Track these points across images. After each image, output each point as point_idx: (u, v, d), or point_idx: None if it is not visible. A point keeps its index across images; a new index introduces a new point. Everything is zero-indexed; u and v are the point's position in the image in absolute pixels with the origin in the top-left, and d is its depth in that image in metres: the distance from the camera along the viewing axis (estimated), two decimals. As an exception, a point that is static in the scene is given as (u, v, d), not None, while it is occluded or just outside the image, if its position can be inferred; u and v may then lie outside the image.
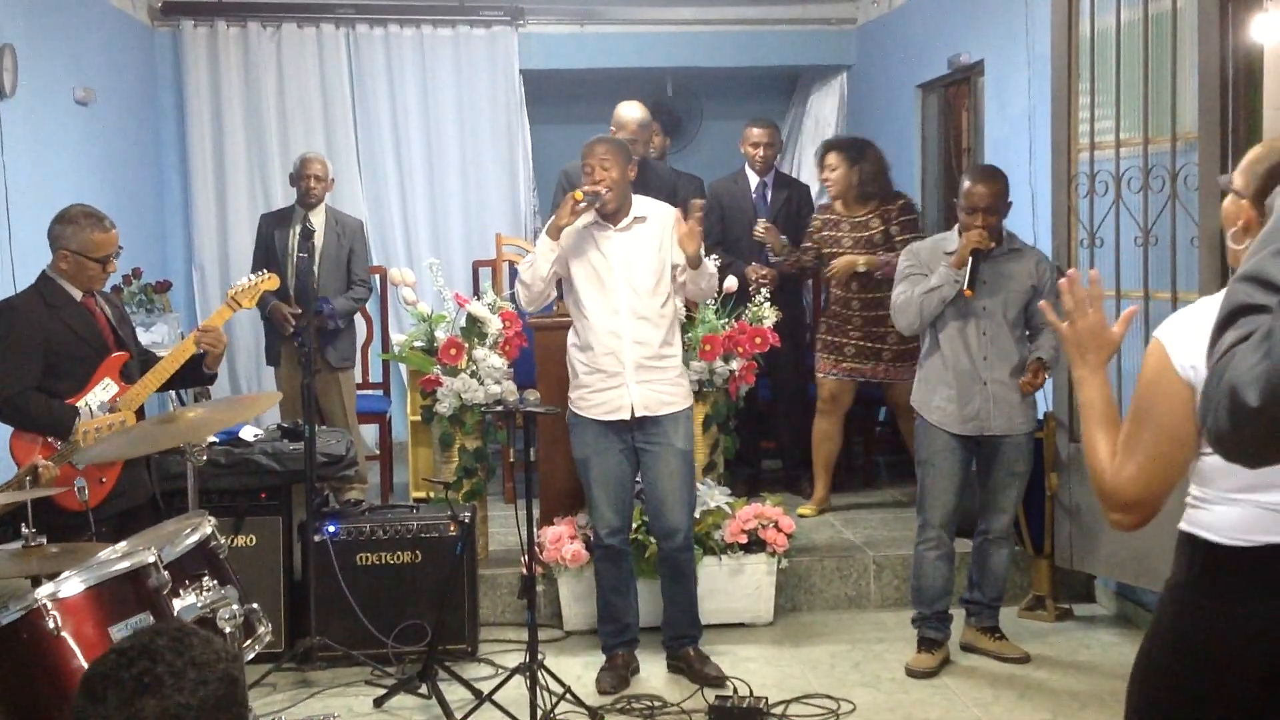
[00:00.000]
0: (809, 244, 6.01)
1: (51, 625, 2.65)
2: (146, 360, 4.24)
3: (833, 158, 5.91)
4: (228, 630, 2.82)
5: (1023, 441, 4.63)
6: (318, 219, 6.17)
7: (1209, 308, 2.00)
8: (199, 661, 1.61)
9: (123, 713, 1.55)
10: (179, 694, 1.57)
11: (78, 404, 3.93)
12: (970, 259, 4.44)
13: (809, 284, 6.71)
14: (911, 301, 4.54)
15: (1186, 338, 2.00)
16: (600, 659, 4.70)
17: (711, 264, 4.56)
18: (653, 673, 4.70)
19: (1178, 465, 2.03)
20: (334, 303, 6.06)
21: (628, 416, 4.46)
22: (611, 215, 4.49)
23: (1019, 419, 4.59)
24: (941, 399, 4.59)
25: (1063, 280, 2.28)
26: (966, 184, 4.55)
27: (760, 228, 6.02)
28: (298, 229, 6.11)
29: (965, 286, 4.44)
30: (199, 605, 2.85)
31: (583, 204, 4.39)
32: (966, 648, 4.82)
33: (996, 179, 4.57)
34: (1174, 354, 2.00)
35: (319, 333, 5.75)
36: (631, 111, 5.82)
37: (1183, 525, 2.08)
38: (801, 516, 5.79)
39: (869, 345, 5.82)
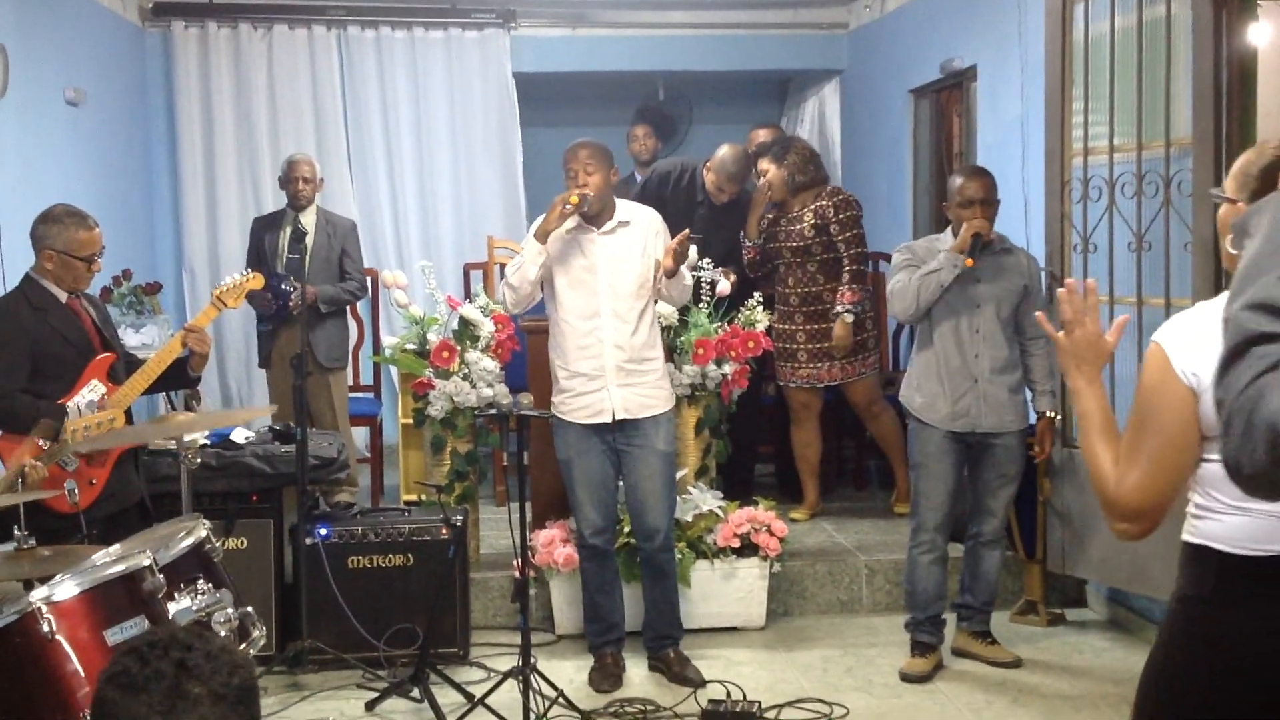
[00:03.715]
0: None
1: (46, 629, 2.62)
2: (131, 363, 4.22)
3: (763, 163, 5.93)
4: (223, 634, 2.80)
5: (1014, 443, 4.63)
6: (309, 220, 6.14)
7: (1208, 312, 2.00)
8: (226, 647, 1.62)
9: (169, 700, 1.53)
10: (218, 676, 1.56)
11: (66, 405, 3.90)
12: (971, 242, 4.47)
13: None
14: (909, 286, 4.54)
15: (1187, 342, 2.00)
16: (591, 662, 4.69)
17: (689, 275, 4.59)
18: (639, 675, 4.70)
19: (1181, 471, 2.02)
20: (320, 289, 5.99)
21: (609, 419, 4.46)
22: (594, 218, 4.49)
23: (1009, 417, 4.60)
24: (931, 395, 4.59)
25: (1061, 290, 2.27)
26: (959, 181, 4.60)
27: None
28: (288, 231, 6.09)
29: (968, 256, 4.44)
30: (194, 609, 2.83)
31: (572, 208, 4.38)
32: (958, 652, 4.81)
33: (987, 174, 4.65)
34: (1175, 359, 2.00)
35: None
36: (725, 160, 5.93)
37: (1189, 537, 2.06)
38: (794, 521, 5.79)
39: (818, 347, 5.82)
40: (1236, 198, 2.17)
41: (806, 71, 8.71)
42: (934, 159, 7.30)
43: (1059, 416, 4.77)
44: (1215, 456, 1.94)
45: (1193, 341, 1.98)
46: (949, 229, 4.64)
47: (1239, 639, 1.97)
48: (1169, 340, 2.02)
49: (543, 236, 4.43)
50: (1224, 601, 2.00)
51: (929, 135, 7.30)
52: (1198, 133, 4.41)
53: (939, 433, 4.58)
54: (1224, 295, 2.00)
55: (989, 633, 4.81)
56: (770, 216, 5.94)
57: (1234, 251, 2.18)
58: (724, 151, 6.00)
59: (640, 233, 4.52)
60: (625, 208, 4.58)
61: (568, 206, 4.37)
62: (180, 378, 4.24)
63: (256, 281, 4.41)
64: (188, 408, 5.54)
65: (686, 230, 4.52)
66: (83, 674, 2.57)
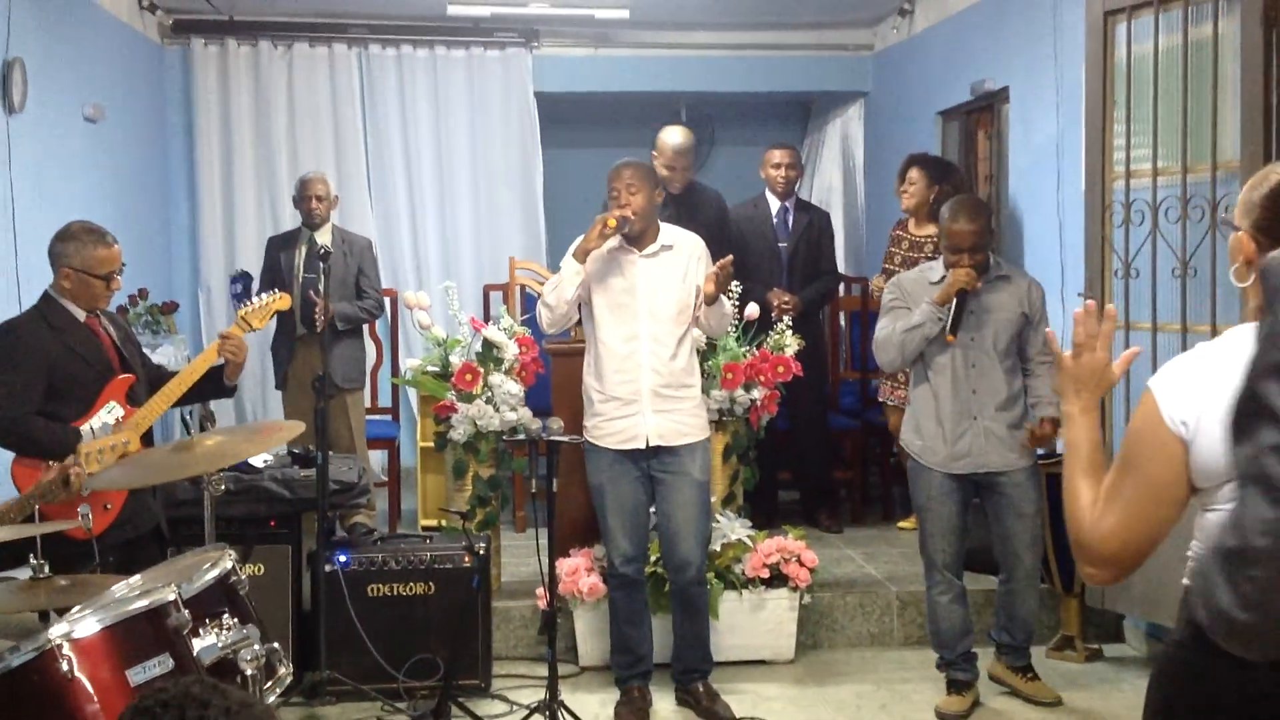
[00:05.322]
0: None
1: (65, 668, 2.48)
2: (161, 377, 4.10)
3: (914, 172, 5.90)
4: (249, 672, 2.67)
5: (1024, 479, 4.45)
6: (324, 239, 6.04)
7: (1205, 356, 1.91)
8: (246, 701, 1.50)
9: None
10: None
11: (80, 427, 3.79)
12: (955, 299, 4.32)
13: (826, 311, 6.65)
14: (893, 339, 4.40)
15: (1180, 390, 1.89)
16: (616, 695, 4.56)
17: (728, 304, 4.48)
18: (666, 708, 4.57)
19: (1159, 524, 1.92)
20: (337, 307, 5.87)
21: (643, 445, 4.35)
22: (636, 240, 4.38)
23: (1014, 454, 4.43)
24: (930, 437, 4.45)
25: (1078, 310, 2.14)
26: (948, 222, 4.38)
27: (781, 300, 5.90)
28: (303, 250, 6.00)
29: (948, 332, 4.31)
30: (219, 645, 2.68)
31: (611, 230, 4.28)
32: (995, 679, 4.67)
33: (979, 214, 4.40)
34: (1165, 407, 1.89)
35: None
36: (671, 137, 5.70)
37: (1185, 580, 1.97)
38: (902, 529, 6.11)
39: None
40: (1240, 225, 2.04)
41: (831, 93, 8.61)
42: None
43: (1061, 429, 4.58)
44: (1215, 505, 1.85)
45: (1185, 389, 1.88)
46: (942, 258, 4.48)
47: (1220, 687, 1.87)
48: (1161, 387, 1.92)
49: (581, 256, 4.32)
50: (1201, 648, 1.90)
51: (957, 158, 7.19)
52: (1246, 156, 4.28)
53: (938, 474, 4.44)
54: (1224, 337, 1.93)
55: (1030, 667, 4.66)
56: (893, 235, 5.94)
57: (1238, 283, 2.04)
58: (662, 132, 5.81)
59: (683, 257, 4.42)
60: (669, 231, 4.47)
61: (606, 228, 4.27)
62: (215, 387, 4.13)
63: (283, 302, 4.31)
64: (201, 428, 5.42)
65: (730, 256, 4.39)
66: (103, 716, 2.44)
